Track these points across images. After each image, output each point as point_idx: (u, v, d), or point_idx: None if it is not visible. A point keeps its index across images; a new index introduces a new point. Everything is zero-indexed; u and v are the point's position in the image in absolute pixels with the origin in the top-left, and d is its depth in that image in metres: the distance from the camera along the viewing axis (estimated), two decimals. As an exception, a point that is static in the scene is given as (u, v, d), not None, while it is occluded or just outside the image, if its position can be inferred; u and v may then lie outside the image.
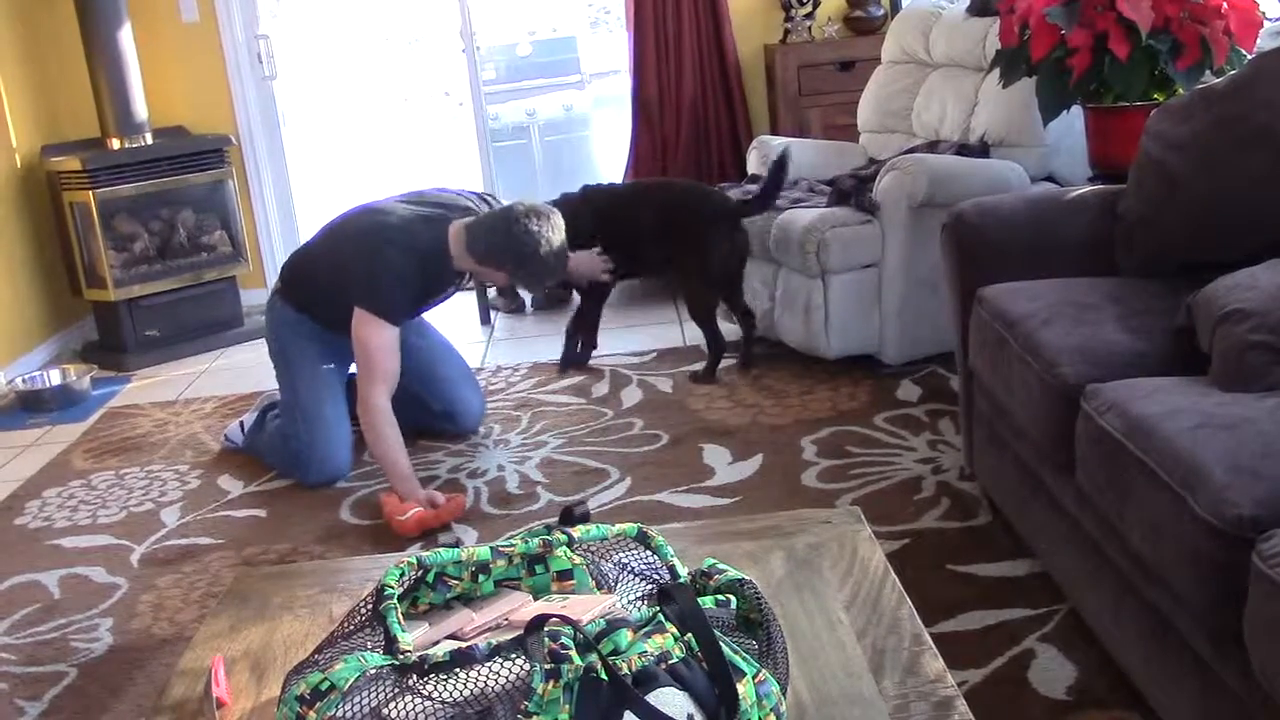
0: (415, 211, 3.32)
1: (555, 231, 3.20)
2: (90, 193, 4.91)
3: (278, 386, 3.63)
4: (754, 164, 4.60)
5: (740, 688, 1.22)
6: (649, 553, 1.49)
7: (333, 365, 3.52)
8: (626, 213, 3.99)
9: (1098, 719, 2.09)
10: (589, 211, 3.93)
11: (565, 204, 3.81)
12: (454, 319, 4.93)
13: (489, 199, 3.52)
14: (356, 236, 3.31)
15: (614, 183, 4.26)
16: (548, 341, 4.74)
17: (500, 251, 3.19)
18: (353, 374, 3.48)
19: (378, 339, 3.19)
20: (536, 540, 1.50)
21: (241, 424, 3.81)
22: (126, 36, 5.02)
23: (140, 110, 5.09)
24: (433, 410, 3.71)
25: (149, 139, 5.13)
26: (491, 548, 1.49)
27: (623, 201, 4.05)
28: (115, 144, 5.06)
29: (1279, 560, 1.45)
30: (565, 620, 1.21)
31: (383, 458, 3.23)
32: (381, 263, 3.20)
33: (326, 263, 3.38)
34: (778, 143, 4.62)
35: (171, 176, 5.13)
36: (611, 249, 3.91)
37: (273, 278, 5.64)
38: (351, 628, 1.36)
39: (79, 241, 5.03)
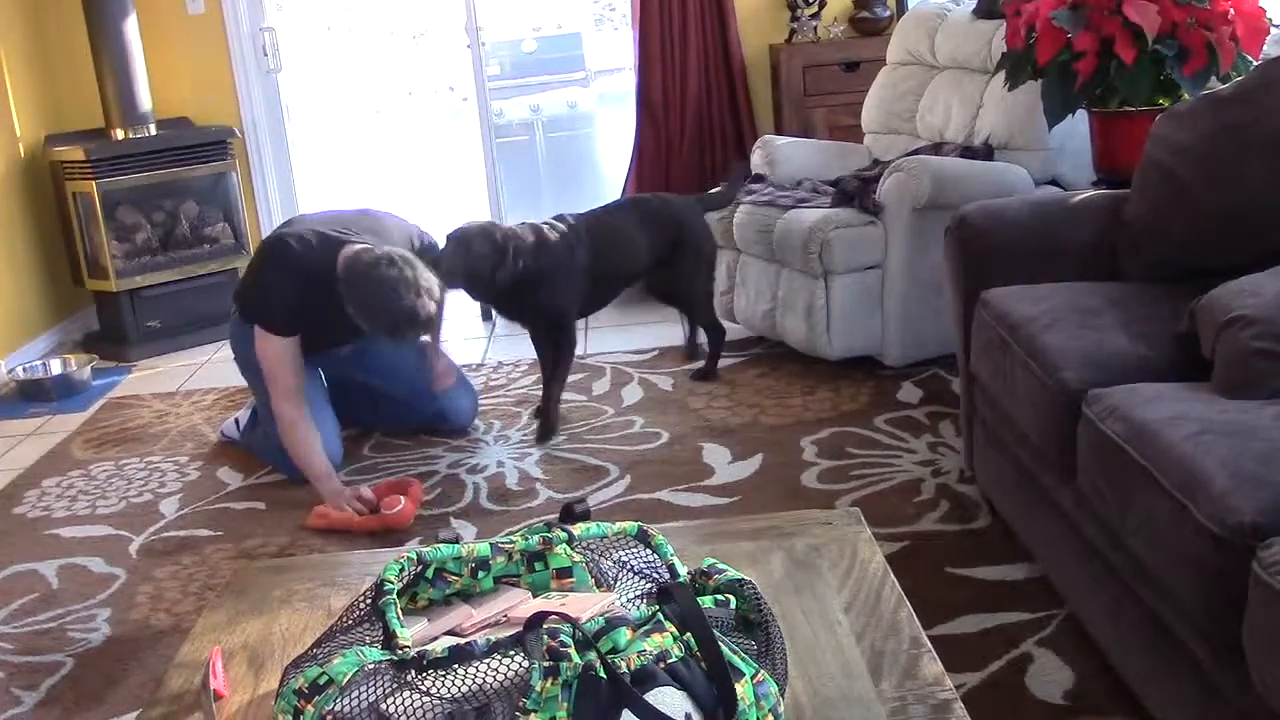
0: (318, 230, 3.26)
1: (413, 291, 3.04)
2: (93, 183, 4.91)
3: (252, 394, 3.63)
4: (758, 164, 4.59)
5: (739, 688, 1.21)
6: (649, 551, 1.49)
7: (309, 368, 3.48)
8: (622, 236, 3.77)
9: (1095, 724, 2.09)
10: (588, 241, 3.66)
11: (561, 237, 3.62)
12: (455, 316, 4.92)
13: (427, 243, 3.50)
14: (258, 250, 3.37)
15: (578, 214, 3.78)
16: (549, 338, 4.73)
17: (351, 290, 3.07)
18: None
19: (266, 350, 3.22)
20: (536, 537, 1.50)
21: (236, 420, 3.81)
22: (132, 27, 5.01)
23: (144, 101, 5.09)
24: (424, 413, 3.72)
25: (153, 130, 5.12)
26: (491, 544, 1.49)
27: (616, 226, 3.77)
28: (119, 135, 5.05)
29: (1279, 568, 1.45)
30: (564, 618, 1.21)
31: (300, 464, 3.29)
32: (264, 276, 3.27)
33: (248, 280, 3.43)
34: (782, 142, 4.62)
35: (175, 168, 5.13)
36: (605, 276, 3.74)
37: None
38: (350, 622, 1.36)
39: (81, 231, 5.03)
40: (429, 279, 3.10)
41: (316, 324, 3.25)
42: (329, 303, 3.14)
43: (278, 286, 3.22)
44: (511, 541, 1.49)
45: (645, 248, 3.79)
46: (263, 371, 3.26)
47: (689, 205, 3.97)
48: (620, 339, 4.60)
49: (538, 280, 3.54)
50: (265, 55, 5.61)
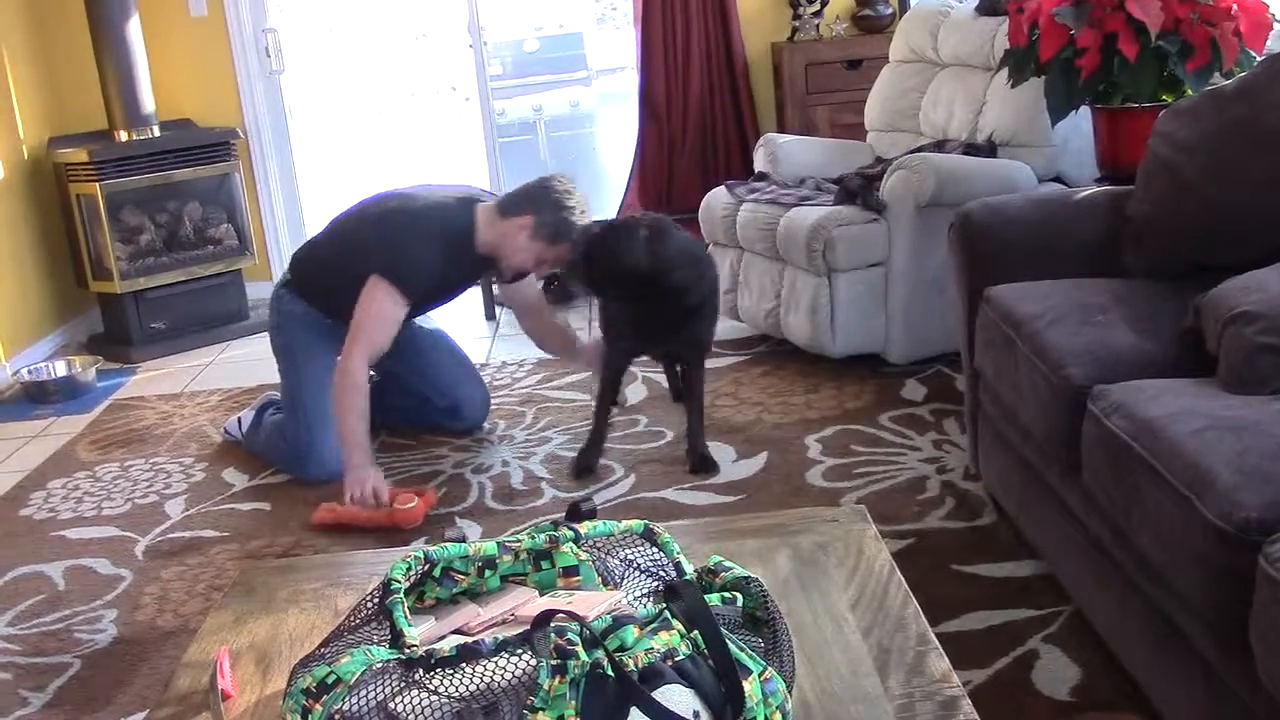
0: (443, 193, 3.38)
1: (582, 197, 3.30)
2: (97, 184, 4.91)
3: (280, 380, 3.61)
4: (760, 162, 4.59)
5: (746, 685, 1.21)
6: (655, 549, 1.49)
7: (331, 360, 3.50)
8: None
9: (1101, 720, 2.09)
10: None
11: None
12: (459, 314, 4.92)
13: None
14: (382, 215, 3.34)
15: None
16: (553, 337, 4.74)
17: (531, 198, 3.25)
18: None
19: (383, 307, 3.20)
20: (543, 536, 1.50)
21: (240, 420, 3.80)
22: (134, 29, 5.02)
23: (147, 103, 5.09)
24: (437, 406, 3.72)
25: (156, 131, 5.13)
26: (498, 543, 1.49)
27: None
28: (122, 136, 5.06)
29: (1286, 563, 1.45)
30: (572, 616, 1.21)
31: (342, 421, 3.24)
32: (407, 233, 3.25)
33: (343, 246, 3.39)
34: (785, 140, 4.62)
35: (178, 169, 5.13)
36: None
37: (279, 271, 5.65)
38: (357, 621, 1.36)
39: (85, 233, 5.03)
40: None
41: (438, 289, 3.36)
42: (459, 266, 3.32)
43: (421, 245, 3.23)
44: (518, 540, 1.50)
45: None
46: (358, 319, 3.20)
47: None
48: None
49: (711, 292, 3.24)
50: (268, 56, 5.62)
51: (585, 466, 3.34)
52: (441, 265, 3.27)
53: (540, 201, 3.25)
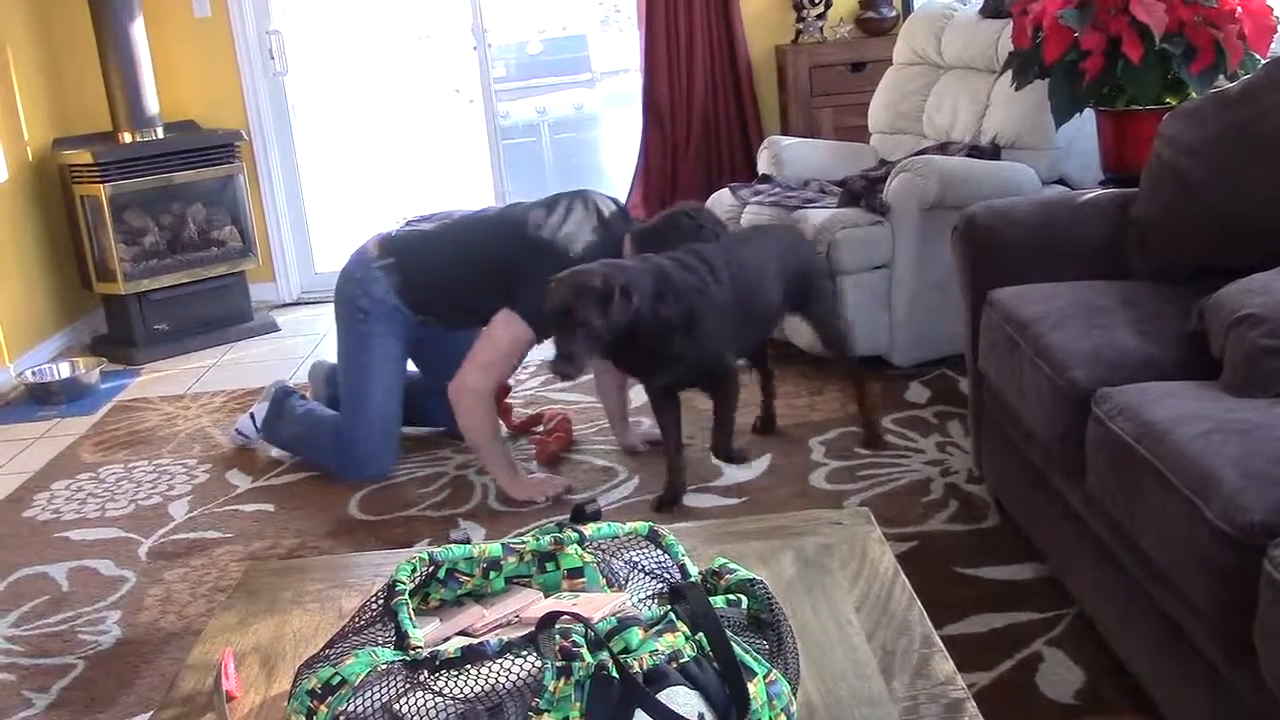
0: (589, 219, 3.25)
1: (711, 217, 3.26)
2: (101, 186, 4.92)
3: (343, 372, 3.47)
4: (764, 164, 4.59)
5: (751, 687, 1.21)
6: (660, 551, 1.49)
7: (407, 362, 3.50)
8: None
9: (1105, 723, 2.09)
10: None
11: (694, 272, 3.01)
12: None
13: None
14: (524, 241, 3.20)
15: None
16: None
17: (663, 236, 3.16)
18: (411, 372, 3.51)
19: (512, 335, 3.17)
20: (548, 538, 1.50)
21: (252, 415, 3.78)
22: (139, 31, 5.02)
23: (152, 104, 5.10)
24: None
25: (160, 133, 5.14)
26: (503, 544, 1.49)
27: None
28: (126, 138, 5.07)
29: (1291, 566, 1.45)
30: (576, 618, 1.21)
31: (479, 446, 3.26)
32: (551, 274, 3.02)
33: (469, 258, 3.27)
34: (788, 143, 4.62)
35: (182, 171, 5.14)
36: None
37: (282, 273, 5.67)
38: (362, 623, 1.36)
39: (89, 235, 5.04)
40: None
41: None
42: None
43: None
44: (523, 542, 1.50)
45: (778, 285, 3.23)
46: (488, 346, 3.16)
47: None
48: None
49: (687, 324, 2.95)
50: (272, 58, 5.62)
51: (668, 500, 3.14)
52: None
53: (672, 238, 3.13)
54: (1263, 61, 3.03)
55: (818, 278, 3.38)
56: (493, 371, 3.20)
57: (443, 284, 3.32)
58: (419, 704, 1.18)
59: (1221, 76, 3.09)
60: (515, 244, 3.23)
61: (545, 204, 3.34)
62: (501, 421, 3.72)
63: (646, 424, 3.47)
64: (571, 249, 3.19)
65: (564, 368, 2.84)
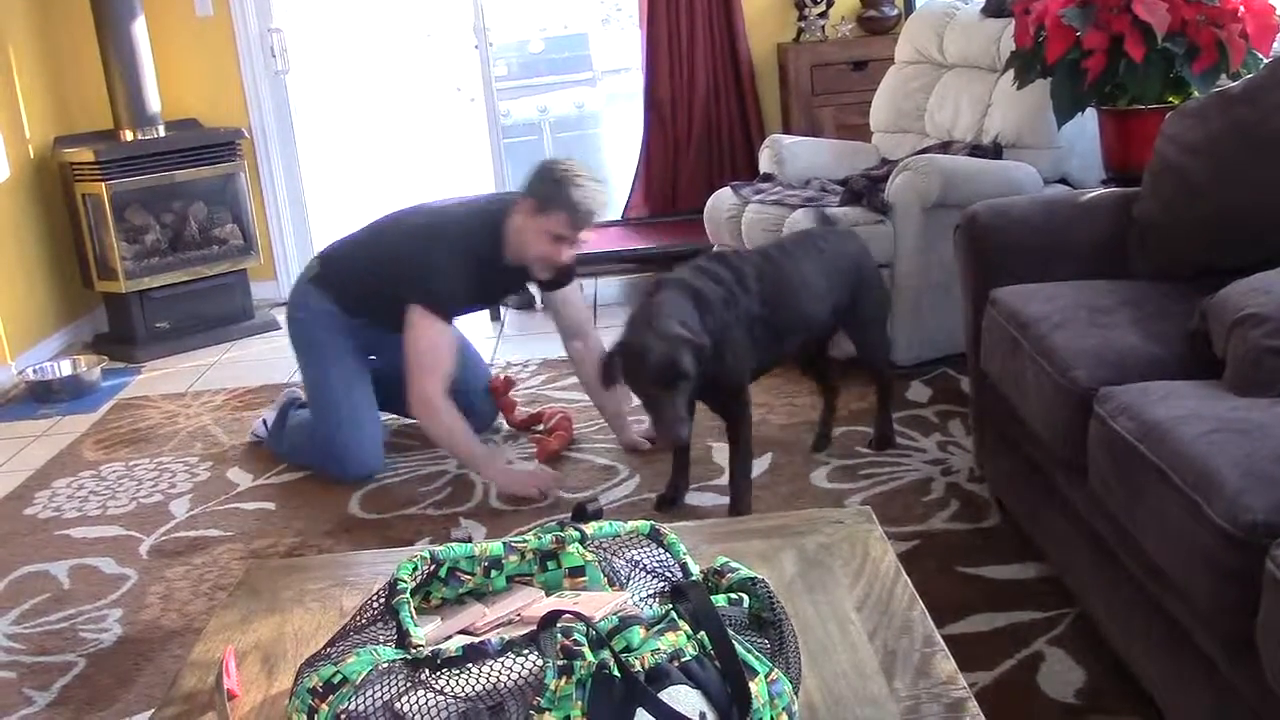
0: (470, 208, 3.31)
1: (586, 170, 3.19)
2: (102, 184, 4.92)
3: (302, 379, 3.58)
4: (766, 163, 4.59)
5: (752, 686, 1.21)
6: (661, 550, 1.49)
7: (365, 357, 3.51)
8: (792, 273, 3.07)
9: (1107, 723, 2.08)
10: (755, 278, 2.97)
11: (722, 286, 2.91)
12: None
13: None
14: (411, 233, 3.28)
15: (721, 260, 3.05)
16: (557, 338, 4.72)
17: (525, 180, 3.17)
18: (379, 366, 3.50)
19: (432, 337, 3.18)
20: (549, 536, 1.50)
21: (265, 421, 3.79)
22: (140, 29, 5.03)
23: (153, 103, 5.10)
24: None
25: (161, 131, 5.14)
26: (504, 543, 1.49)
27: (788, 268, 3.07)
28: (128, 136, 5.07)
29: (1293, 566, 1.45)
30: (578, 616, 1.21)
31: (453, 450, 3.27)
32: (435, 258, 3.19)
33: (375, 259, 3.34)
34: (790, 141, 4.62)
35: (183, 169, 5.14)
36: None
37: (284, 271, 5.67)
38: (364, 621, 1.36)
39: (91, 233, 5.04)
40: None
41: (479, 300, 3.31)
42: (493, 279, 3.25)
43: (452, 268, 3.19)
44: (524, 541, 1.50)
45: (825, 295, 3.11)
46: (414, 355, 3.18)
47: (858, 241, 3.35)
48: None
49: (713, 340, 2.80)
50: (274, 57, 5.62)
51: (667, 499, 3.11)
52: (475, 283, 3.24)
53: (530, 178, 3.19)
54: (1265, 61, 3.02)
55: (874, 291, 3.27)
56: (432, 372, 3.19)
57: (366, 286, 3.35)
58: (420, 702, 1.18)
59: (1224, 76, 3.09)
60: (402, 238, 3.31)
61: (439, 201, 3.45)
62: (504, 417, 3.73)
63: (647, 423, 3.46)
64: (445, 233, 3.24)
65: (679, 432, 2.71)
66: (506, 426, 3.76)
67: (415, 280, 3.19)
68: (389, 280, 3.24)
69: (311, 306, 3.44)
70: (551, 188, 3.11)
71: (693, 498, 3.14)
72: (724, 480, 3.21)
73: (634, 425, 3.52)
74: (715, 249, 3.41)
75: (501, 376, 3.83)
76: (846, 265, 3.17)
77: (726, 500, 3.09)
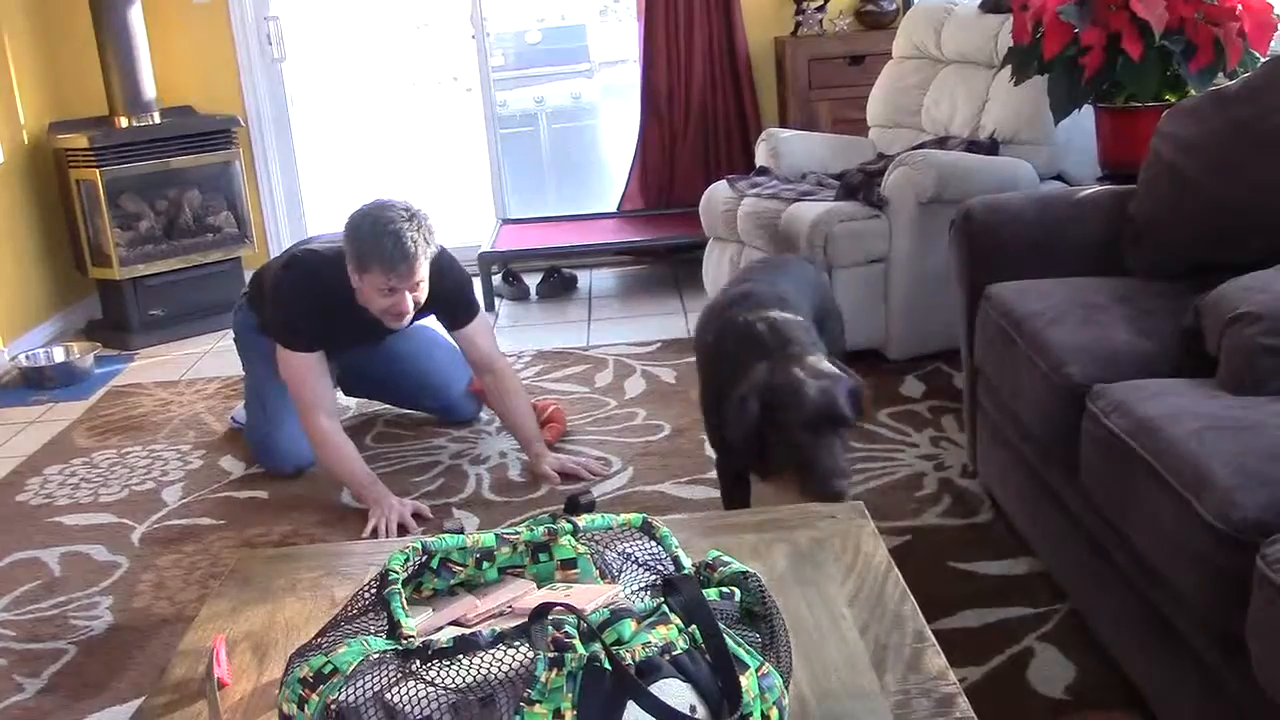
0: (334, 245, 3.16)
1: (391, 212, 2.98)
2: (97, 170, 4.90)
3: (245, 387, 3.65)
4: (762, 156, 4.59)
5: (743, 680, 1.21)
6: (653, 543, 1.49)
7: None
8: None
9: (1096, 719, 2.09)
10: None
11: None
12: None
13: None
14: (280, 268, 3.27)
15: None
16: (551, 329, 4.74)
17: (356, 243, 2.99)
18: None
19: (290, 366, 3.16)
20: (541, 528, 1.50)
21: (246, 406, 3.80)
22: (136, 15, 5.00)
23: (148, 89, 5.08)
24: (429, 407, 3.75)
25: (157, 118, 5.12)
26: (497, 534, 1.49)
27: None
28: (123, 122, 5.05)
29: (1284, 565, 1.45)
30: (569, 609, 1.21)
31: (341, 477, 3.22)
32: (281, 292, 3.20)
33: (264, 285, 3.37)
34: (786, 135, 4.61)
35: (178, 156, 5.12)
36: None
37: (278, 260, 5.65)
38: (355, 611, 1.36)
39: (85, 219, 5.02)
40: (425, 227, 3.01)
41: (332, 337, 3.21)
42: (349, 319, 3.14)
43: (292, 302, 3.17)
44: (517, 533, 1.50)
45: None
46: (289, 386, 3.19)
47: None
48: (623, 331, 4.60)
49: None
50: (270, 44, 5.60)
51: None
52: (325, 321, 3.15)
53: (345, 235, 3.04)
54: (1262, 60, 3.02)
55: (837, 318, 3.05)
56: (310, 406, 3.15)
57: (269, 310, 3.33)
58: (411, 693, 1.18)
59: (1221, 74, 3.09)
60: (274, 268, 3.33)
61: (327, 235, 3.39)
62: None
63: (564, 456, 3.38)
64: (302, 266, 3.20)
65: (840, 486, 2.35)
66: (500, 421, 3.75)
67: (270, 313, 3.26)
68: (263, 312, 3.34)
69: (239, 320, 3.58)
70: (358, 246, 2.99)
71: (683, 490, 3.14)
72: (715, 474, 3.21)
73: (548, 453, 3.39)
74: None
75: None
76: (817, 289, 3.01)
77: (718, 493, 3.09)
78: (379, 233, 2.95)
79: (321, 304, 3.14)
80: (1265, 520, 1.54)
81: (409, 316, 3.09)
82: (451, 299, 3.25)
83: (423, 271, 3.03)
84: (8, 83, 4.98)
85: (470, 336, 3.34)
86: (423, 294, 3.07)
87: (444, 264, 3.16)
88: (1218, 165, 2.42)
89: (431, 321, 3.43)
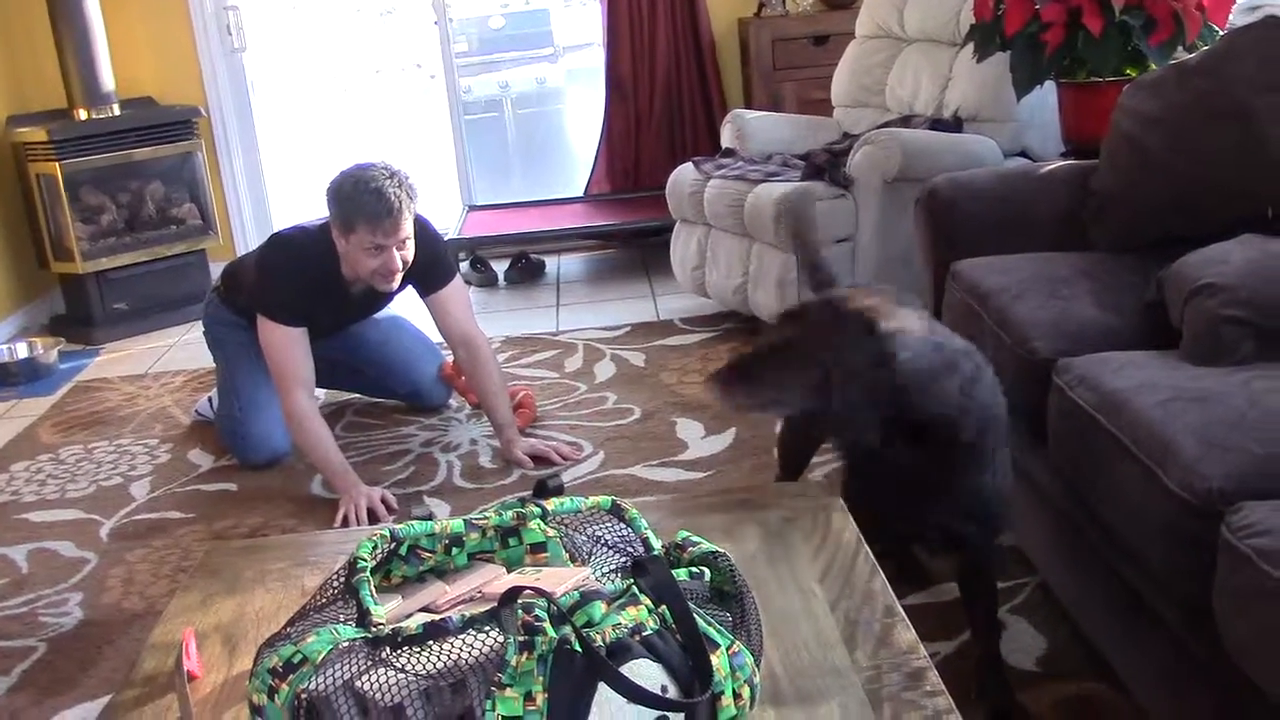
0: (323, 227, 3.17)
1: (373, 170, 3.01)
2: (57, 164, 4.85)
3: (217, 378, 3.64)
4: (728, 138, 4.58)
5: (714, 659, 1.22)
6: (623, 525, 1.49)
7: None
8: None
9: (1067, 690, 2.11)
10: None
11: None
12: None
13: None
14: (264, 248, 3.29)
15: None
16: (520, 315, 4.73)
17: (340, 203, 3.03)
18: None
19: (274, 339, 3.14)
20: (510, 513, 1.49)
21: (210, 399, 3.78)
22: (93, 6, 4.94)
23: (107, 81, 5.02)
24: (398, 393, 3.73)
25: (116, 110, 5.06)
26: (465, 520, 1.49)
27: None
28: (82, 115, 4.99)
29: (1248, 532, 1.46)
30: (539, 592, 1.21)
31: (313, 460, 3.20)
32: (267, 265, 3.21)
33: (249, 269, 3.37)
34: (751, 116, 4.61)
35: (139, 148, 5.07)
36: None
37: (243, 250, 5.60)
38: (324, 601, 1.35)
39: (45, 213, 4.97)
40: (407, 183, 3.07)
41: (314, 316, 3.20)
42: (333, 292, 3.17)
43: (279, 272, 3.17)
44: (485, 517, 1.49)
45: None
46: (271, 365, 3.17)
47: None
48: (592, 316, 4.59)
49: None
50: (230, 34, 5.55)
51: None
52: (312, 294, 3.16)
53: (328, 200, 3.07)
54: (1221, 33, 3.04)
55: None
56: (292, 385, 3.13)
57: (244, 299, 3.37)
58: (381, 681, 1.17)
59: (1180, 48, 3.10)
60: (259, 249, 3.37)
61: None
62: (465, 398, 3.72)
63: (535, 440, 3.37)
64: (287, 244, 3.22)
65: None
66: (470, 407, 3.75)
67: (253, 287, 3.25)
68: (248, 293, 3.33)
69: (210, 314, 3.60)
70: (342, 207, 3.01)
71: (654, 472, 3.14)
72: (688, 455, 3.22)
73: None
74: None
75: None
76: None
77: (690, 476, 3.10)
78: (361, 190, 2.97)
79: (306, 279, 3.15)
80: (1229, 489, 1.55)
81: (399, 276, 3.10)
82: (426, 260, 3.21)
83: (408, 228, 3.05)
84: (-37, 76, 4.92)
85: (443, 302, 3.31)
86: (409, 252, 3.09)
87: (417, 225, 3.16)
88: (1178, 138, 2.44)
89: (404, 301, 3.43)
